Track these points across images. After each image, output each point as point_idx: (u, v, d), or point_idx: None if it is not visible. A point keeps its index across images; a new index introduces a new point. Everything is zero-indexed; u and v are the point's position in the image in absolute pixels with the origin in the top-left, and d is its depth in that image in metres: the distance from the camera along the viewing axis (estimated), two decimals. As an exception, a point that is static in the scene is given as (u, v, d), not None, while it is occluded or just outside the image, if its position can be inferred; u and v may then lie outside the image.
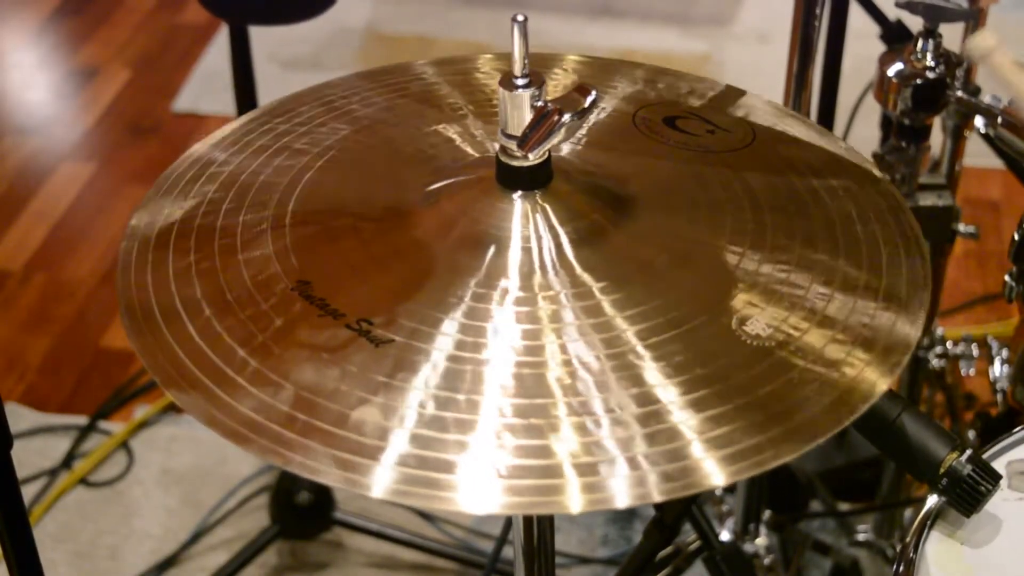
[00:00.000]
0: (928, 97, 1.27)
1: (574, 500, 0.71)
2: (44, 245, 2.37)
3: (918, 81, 1.25)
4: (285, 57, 2.83)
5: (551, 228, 0.86)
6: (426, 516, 1.86)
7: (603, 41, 2.87)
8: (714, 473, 0.72)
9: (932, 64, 1.25)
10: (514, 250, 0.85)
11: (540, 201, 0.87)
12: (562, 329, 0.80)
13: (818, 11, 1.20)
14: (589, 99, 0.85)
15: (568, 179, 0.90)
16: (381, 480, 0.71)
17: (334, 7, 1.48)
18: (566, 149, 0.95)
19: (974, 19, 1.36)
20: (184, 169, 0.96)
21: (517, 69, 0.83)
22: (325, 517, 1.79)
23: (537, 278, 0.83)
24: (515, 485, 0.71)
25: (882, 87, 1.28)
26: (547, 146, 0.85)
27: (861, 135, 1.63)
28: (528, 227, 0.86)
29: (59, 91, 2.81)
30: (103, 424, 2.03)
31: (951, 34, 1.29)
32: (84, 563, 1.81)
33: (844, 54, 1.60)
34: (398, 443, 0.73)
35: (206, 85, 2.77)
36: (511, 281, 0.83)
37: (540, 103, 0.85)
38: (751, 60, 2.79)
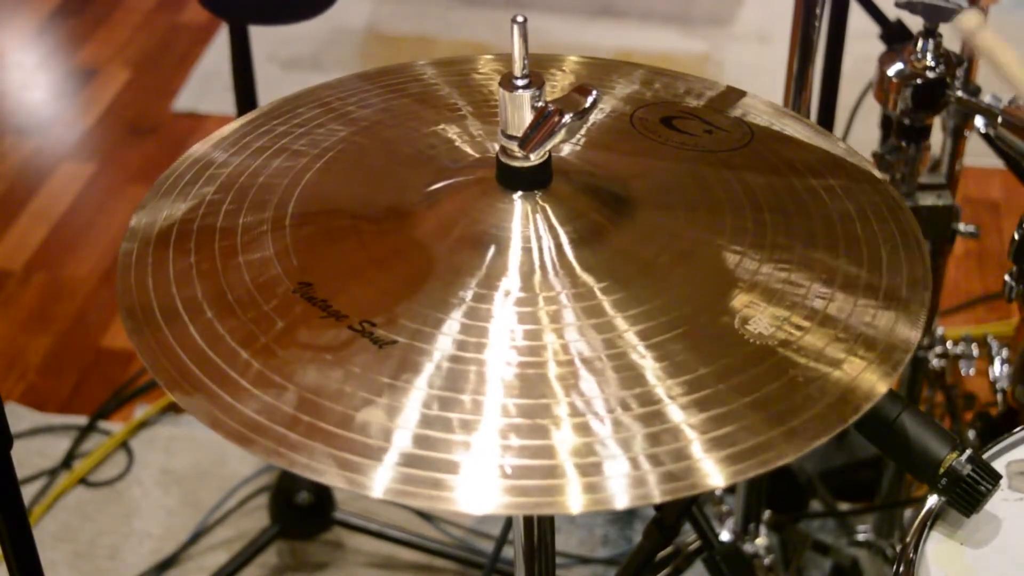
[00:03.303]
0: (928, 97, 1.27)
1: (576, 500, 0.71)
2: (44, 245, 2.37)
3: (918, 81, 1.26)
4: (285, 57, 2.83)
5: (551, 228, 0.86)
6: (426, 516, 1.87)
7: (603, 41, 2.87)
8: (716, 473, 0.72)
9: (932, 64, 1.26)
10: (514, 250, 0.85)
11: (540, 201, 0.87)
12: (563, 329, 0.80)
13: (818, 11, 1.20)
14: (590, 99, 0.85)
15: (568, 179, 0.90)
16: (385, 481, 0.71)
17: (334, 7, 1.48)
18: (566, 149, 0.95)
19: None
20: (183, 170, 0.96)
21: (517, 70, 0.83)
22: (325, 517, 1.79)
23: (537, 278, 0.83)
24: (518, 485, 0.71)
25: (882, 87, 1.28)
26: (548, 147, 0.85)
27: (861, 135, 1.63)
28: (528, 227, 0.86)
29: (59, 91, 2.81)
30: (103, 424, 2.03)
31: (951, 34, 1.29)
32: (84, 563, 1.81)
33: (844, 54, 1.60)
34: (402, 444, 0.73)
35: (206, 85, 2.77)
36: (512, 281, 0.83)
37: (540, 104, 0.85)
38: (751, 60, 2.79)
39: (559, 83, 1.04)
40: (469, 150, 0.96)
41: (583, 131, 0.96)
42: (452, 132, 0.98)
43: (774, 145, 0.98)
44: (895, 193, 0.94)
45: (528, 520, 0.98)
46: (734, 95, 1.04)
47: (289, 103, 1.03)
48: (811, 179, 0.94)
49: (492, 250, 0.85)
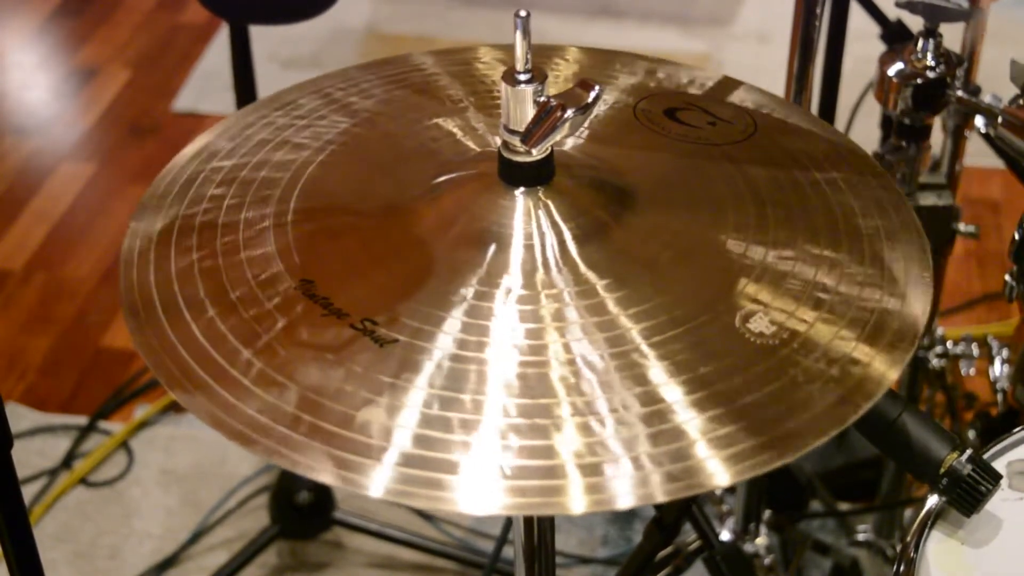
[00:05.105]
0: (928, 97, 1.27)
1: (578, 501, 0.71)
2: (44, 245, 2.37)
3: (918, 81, 1.26)
4: (285, 57, 2.83)
5: (554, 225, 0.85)
6: (426, 516, 1.86)
7: (603, 41, 2.86)
8: (718, 473, 0.72)
9: (932, 64, 1.26)
10: (516, 247, 0.84)
11: (543, 197, 0.87)
12: (565, 328, 0.79)
13: (818, 11, 1.20)
14: (592, 94, 0.85)
15: (570, 174, 0.89)
16: (385, 481, 0.71)
17: (334, 7, 1.48)
18: (569, 143, 0.95)
19: (974, 19, 1.36)
20: (184, 165, 0.96)
21: (519, 64, 0.83)
22: (325, 517, 1.79)
23: (540, 276, 0.83)
24: (519, 486, 0.71)
25: (882, 87, 1.28)
26: (551, 141, 0.85)
27: (861, 135, 1.63)
28: (530, 224, 0.85)
29: (59, 91, 2.81)
30: (103, 424, 2.03)
31: (951, 34, 1.29)
32: (84, 563, 1.81)
33: (844, 54, 1.60)
34: (402, 443, 0.73)
35: (206, 85, 2.77)
36: (513, 279, 0.83)
37: (543, 98, 0.84)
38: (751, 60, 2.79)
39: (562, 73, 1.04)
40: (471, 143, 0.96)
41: (586, 124, 0.96)
42: (453, 125, 0.98)
43: (777, 137, 0.98)
44: (897, 187, 0.94)
45: (528, 520, 0.97)
46: (736, 86, 1.04)
47: (289, 94, 1.03)
48: (814, 172, 0.94)
49: (494, 247, 0.85)
